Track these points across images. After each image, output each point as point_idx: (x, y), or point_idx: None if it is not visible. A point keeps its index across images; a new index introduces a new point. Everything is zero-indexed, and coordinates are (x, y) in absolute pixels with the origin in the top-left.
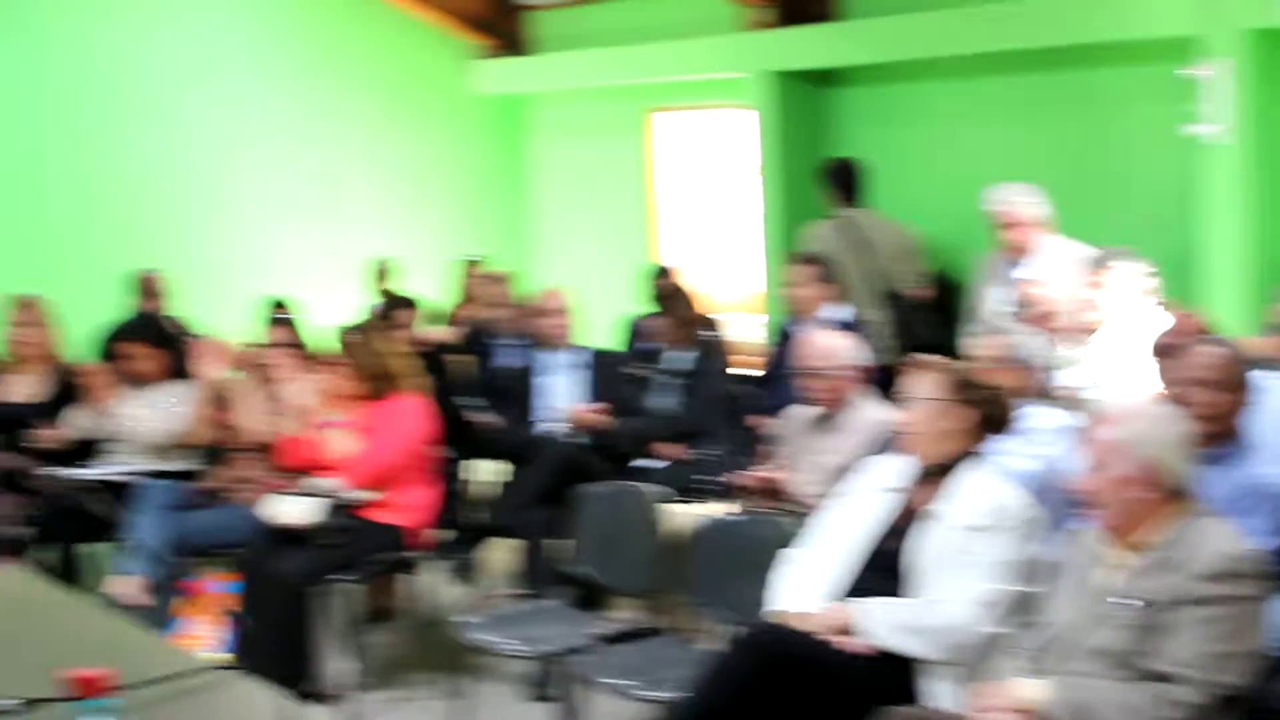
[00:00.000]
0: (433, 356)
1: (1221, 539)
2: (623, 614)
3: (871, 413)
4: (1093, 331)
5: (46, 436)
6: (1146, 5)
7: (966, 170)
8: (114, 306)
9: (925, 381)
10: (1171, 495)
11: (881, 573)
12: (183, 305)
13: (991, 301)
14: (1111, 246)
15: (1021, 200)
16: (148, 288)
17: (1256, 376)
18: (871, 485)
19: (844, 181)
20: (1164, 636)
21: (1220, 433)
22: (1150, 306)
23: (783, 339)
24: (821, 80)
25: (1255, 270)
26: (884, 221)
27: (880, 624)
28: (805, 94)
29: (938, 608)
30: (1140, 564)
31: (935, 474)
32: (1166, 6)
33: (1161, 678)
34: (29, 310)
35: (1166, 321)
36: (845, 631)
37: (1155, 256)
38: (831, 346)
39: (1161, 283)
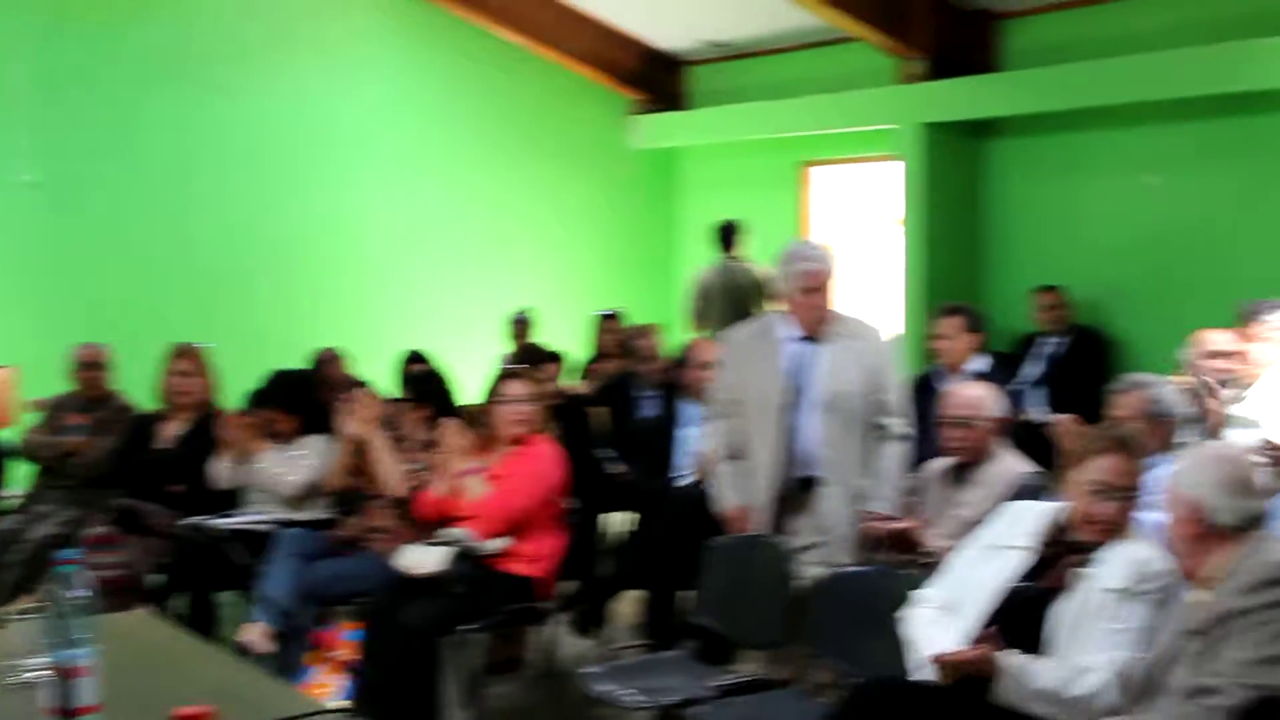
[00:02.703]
0: (572, 409)
1: (1268, 552)
2: (746, 666)
3: (1009, 465)
4: (1249, 384)
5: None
6: None
7: (1122, 220)
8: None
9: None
10: (1229, 532)
11: (1014, 624)
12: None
13: None
14: (1269, 299)
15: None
16: (326, 362)
17: None
18: (1008, 534)
19: (728, 236)
20: (1215, 657)
21: None
22: None
23: (923, 389)
24: (972, 132)
25: None
26: (749, 266)
27: (1024, 682)
28: (953, 145)
29: (1084, 679)
30: (1208, 599)
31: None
32: None
33: (1205, 691)
34: (187, 358)
35: None
36: (984, 674)
37: None
38: (975, 398)
39: None
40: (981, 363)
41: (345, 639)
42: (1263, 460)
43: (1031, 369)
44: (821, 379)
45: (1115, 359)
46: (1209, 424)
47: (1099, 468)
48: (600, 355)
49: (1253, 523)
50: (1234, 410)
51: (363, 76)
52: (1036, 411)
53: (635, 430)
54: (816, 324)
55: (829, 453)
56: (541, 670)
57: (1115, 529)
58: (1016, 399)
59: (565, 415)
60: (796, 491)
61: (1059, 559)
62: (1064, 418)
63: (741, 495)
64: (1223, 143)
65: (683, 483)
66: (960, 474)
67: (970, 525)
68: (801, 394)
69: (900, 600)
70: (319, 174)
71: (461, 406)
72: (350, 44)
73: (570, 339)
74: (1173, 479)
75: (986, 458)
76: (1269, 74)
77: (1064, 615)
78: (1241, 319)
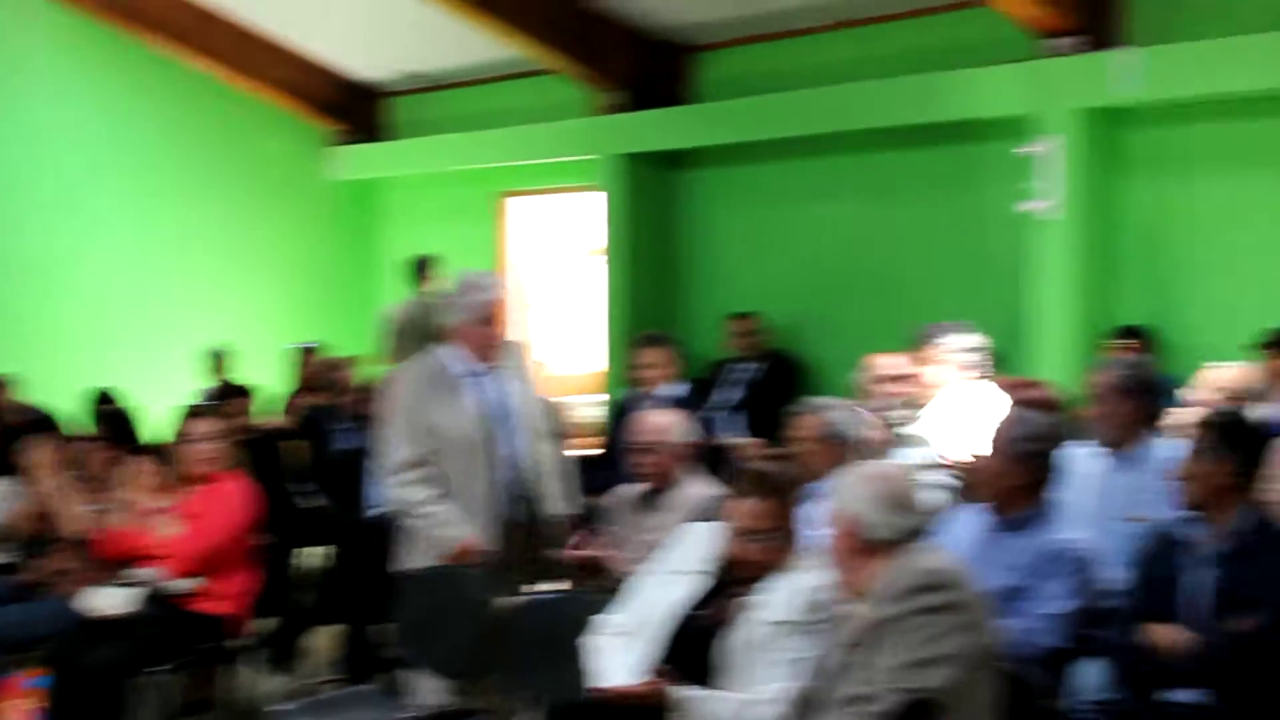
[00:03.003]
0: (266, 443)
1: (915, 562)
2: (439, 697)
3: (697, 490)
4: (923, 405)
5: None
6: (984, 85)
7: (812, 248)
8: None
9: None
10: (886, 547)
11: (689, 649)
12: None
13: None
14: (941, 322)
15: None
16: None
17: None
18: (685, 559)
19: (420, 270)
20: (868, 665)
21: (1018, 500)
22: (978, 379)
23: (621, 415)
24: (669, 162)
25: (1082, 341)
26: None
27: (698, 716)
28: (653, 176)
29: (756, 711)
30: (865, 611)
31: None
32: (1003, 87)
33: (861, 699)
34: None
35: (993, 392)
36: (660, 707)
37: (995, 328)
38: (663, 424)
39: (997, 354)
40: (678, 389)
41: (31, 686)
42: (934, 478)
43: (727, 394)
44: (513, 406)
45: (808, 383)
46: (878, 445)
47: (740, 510)
48: (300, 388)
49: (908, 537)
50: (907, 430)
51: (31, 102)
52: (731, 436)
53: (332, 463)
54: (491, 353)
55: (535, 474)
56: (234, 710)
57: (766, 567)
58: (712, 424)
59: (259, 450)
60: (520, 520)
61: (733, 585)
62: (748, 441)
63: (465, 528)
64: (908, 173)
65: (379, 514)
66: (650, 499)
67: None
68: (498, 425)
69: (589, 625)
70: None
71: (150, 445)
72: (15, 67)
73: (270, 372)
74: (833, 497)
75: (675, 483)
76: (951, 107)
77: (733, 646)
78: (916, 342)
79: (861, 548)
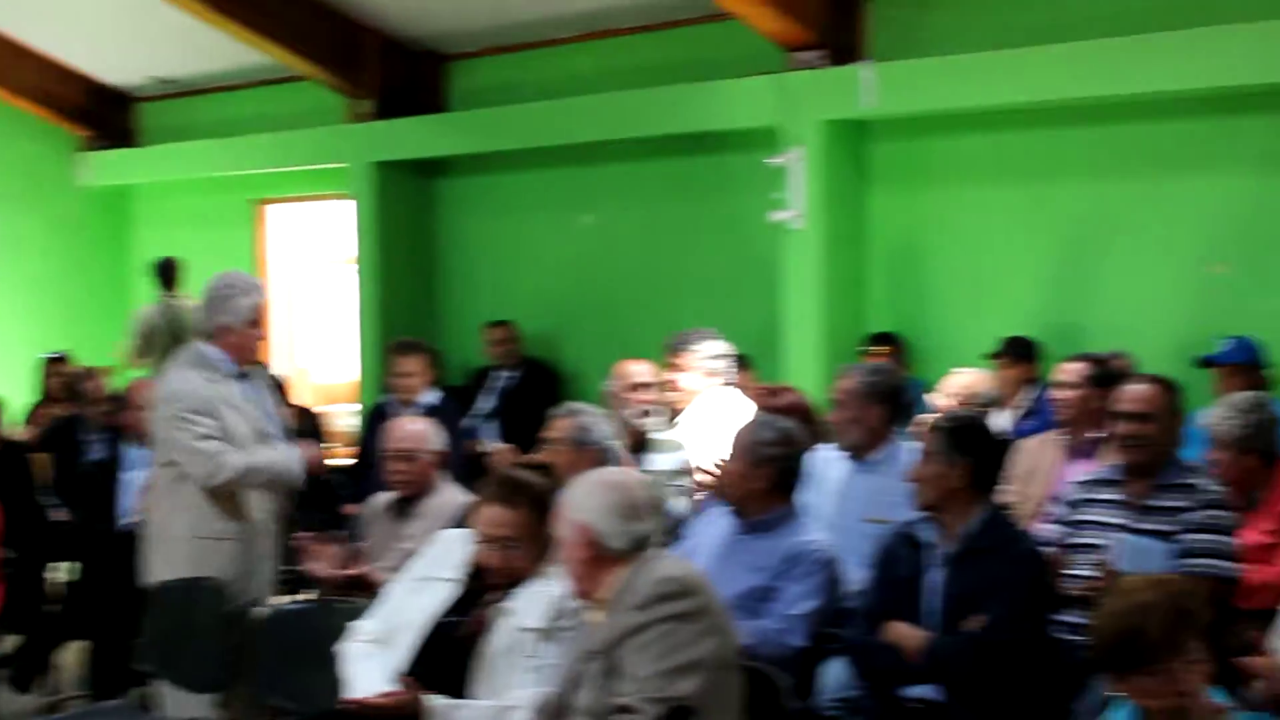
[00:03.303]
0: (10, 455)
1: (654, 569)
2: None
3: (451, 497)
4: (678, 412)
5: None
6: (732, 97)
7: (568, 256)
8: None
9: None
10: (621, 554)
11: (442, 657)
12: None
13: None
14: (691, 330)
15: None
16: None
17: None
18: (437, 566)
19: (167, 275)
20: (619, 675)
21: (763, 503)
22: (725, 385)
23: (376, 422)
24: (423, 170)
25: (834, 348)
26: (190, 304)
27: None
28: (405, 183)
29: (507, 716)
30: (604, 619)
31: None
32: (750, 99)
33: (621, 710)
34: None
35: (741, 399)
36: (413, 716)
37: (750, 336)
38: (417, 432)
39: (753, 361)
40: (434, 396)
41: None
42: (682, 483)
43: (485, 402)
44: (270, 410)
45: (565, 391)
46: (628, 452)
47: (483, 518)
48: (47, 399)
49: (644, 545)
50: (660, 436)
51: None
52: (488, 444)
53: (80, 475)
54: (253, 356)
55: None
56: None
57: (509, 575)
58: (470, 432)
59: (3, 462)
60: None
61: (484, 592)
62: (502, 448)
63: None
64: (663, 182)
65: (128, 526)
66: (404, 507)
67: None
68: (266, 427)
69: (341, 635)
70: None
71: None
72: None
73: (17, 384)
74: (565, 505)
75: (429, 490)
76: (700, 118)
77: (486, 654)
78: (670, 349)
79: (597, 557)
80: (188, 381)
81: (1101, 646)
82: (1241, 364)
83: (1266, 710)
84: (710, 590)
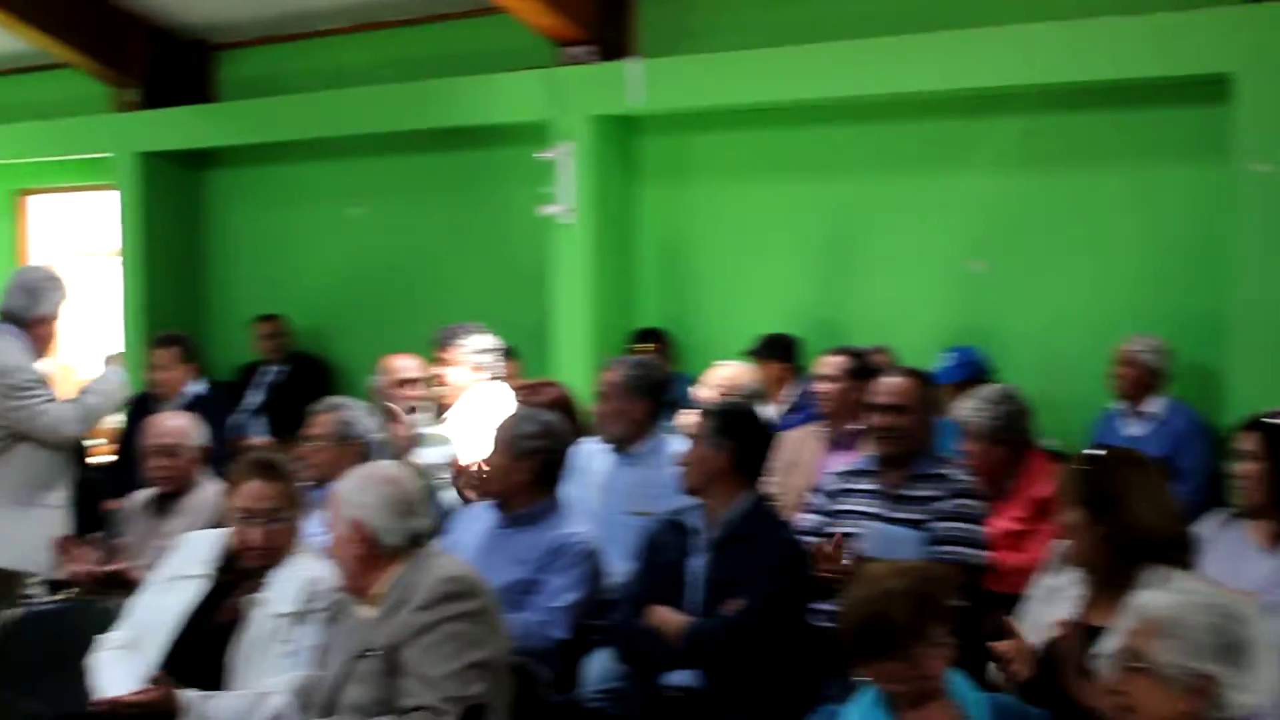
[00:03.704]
0: None
1: (434, 569)
2: None
3: (212, 493)
4: (447, 406)
5: None
6: (503, 91)
7: (339, 249)
8: None
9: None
10: (395, 550)
11: (197, 653)
12: None
13: None
14: (458, 324)
15: None
16: None
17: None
18: (185, 564)
19: None
20: (405, 674)
21: (524, 497)
22: (492, 379)
23: (139, 416)
24: (190, 162)
25: (602, 342)
26: None
27: (209, 718)
28: (171, 174)
29: (265, 705)
30: (377, 615)
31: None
32: (521, 93)
33: (420, 709)
34: None
35: (506, 393)
36: (168, 713)
37: (521, 330)
38: (178, 427)
39: (523, 355)
40: (199, 387)
41: None
42: (448, 478)
43: (253, 397)
44: None
45: (334, 385)
46: (395, 447)
47: (243, 494)
48: None
49: (416, 541)
50: (428, 431)
51: None
52: (257, 439)
53: None
54: (50, 350)
55: None
56: None
57: (272, 553)
58: (238, 427)
59: None
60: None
61: (237, 586)
62: (263, 441)
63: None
64: (434, 176)
65: None
66: (165, 504)
67: None
68: None
69: (94, 636)
70: None
71: None
72: None
73: None
74: (337, 500)
75: (190, 486)
76: (471, 111)
77: (242, 644)
78: (437, 343)
79: (371, 554)
80: (13, 355)
81: (848, 633)
82: (964, 381)
83: (1013, 691)
84: (489, 589)
